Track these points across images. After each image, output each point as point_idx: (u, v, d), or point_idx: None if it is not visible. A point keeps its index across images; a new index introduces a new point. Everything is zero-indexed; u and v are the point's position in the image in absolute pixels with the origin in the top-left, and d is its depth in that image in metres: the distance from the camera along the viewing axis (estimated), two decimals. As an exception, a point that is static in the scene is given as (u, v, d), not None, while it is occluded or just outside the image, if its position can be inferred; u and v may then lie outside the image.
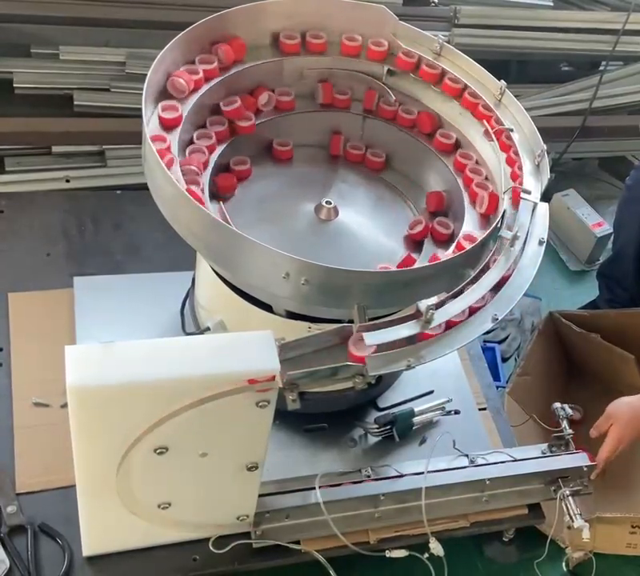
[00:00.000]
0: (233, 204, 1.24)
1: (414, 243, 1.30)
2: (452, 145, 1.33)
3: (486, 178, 1.30)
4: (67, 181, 2.04)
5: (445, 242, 1.29)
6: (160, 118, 1.18)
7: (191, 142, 1.23)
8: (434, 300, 1.04)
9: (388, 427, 1.46)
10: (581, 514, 1.40)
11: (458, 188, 1.30)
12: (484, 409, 1.59)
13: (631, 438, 1.50)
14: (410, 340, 1.04)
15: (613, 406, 1.55)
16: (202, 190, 1.17)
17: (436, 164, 1.35)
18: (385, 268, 1.20)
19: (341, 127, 1.39)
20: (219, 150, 1.26)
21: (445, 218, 1.32)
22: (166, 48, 1.19)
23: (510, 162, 1.26)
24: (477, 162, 1.31)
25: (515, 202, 1.21)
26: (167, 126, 1.18)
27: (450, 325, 1.07)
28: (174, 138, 1.17)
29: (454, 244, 1.21)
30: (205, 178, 1.20)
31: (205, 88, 1.24)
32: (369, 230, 1.30)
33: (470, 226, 1.24)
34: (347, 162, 1.41)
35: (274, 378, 0.97)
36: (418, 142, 1.37)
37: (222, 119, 1.27)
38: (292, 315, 1.19)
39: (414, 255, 1.26)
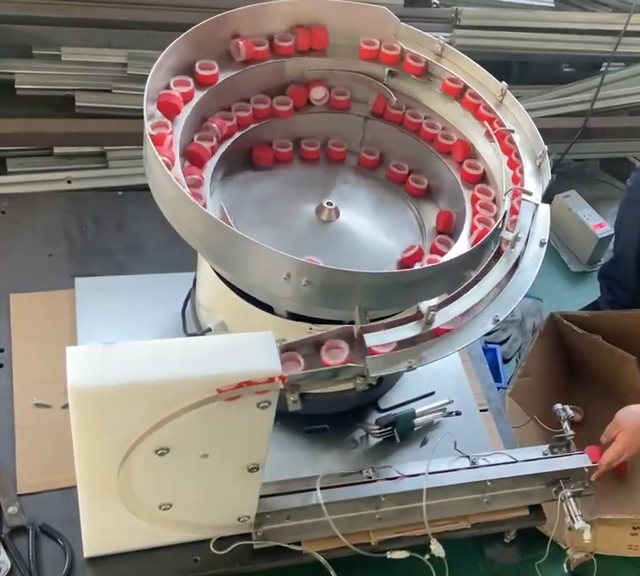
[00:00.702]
0: (234, 205, 1.25)
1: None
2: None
3: (487, 179, 1.30)
4: (69, 182, 2.05)
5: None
6: (162, 120, 1.18)
7: (192, 142, 1.23)
8: (435, 301, 1.04)
9: (389, 428, 1.46)
10: (582, 516, 1.40)
11: (459, 186, 1.31)
12: (485, 410, 1.59)
13: (638, 446, 1.50)
14: (411, 341, 1.04)
15: (622, 414, 1.55)
16: (204, 192, 1.18)
17: (437, 165, 1.36)
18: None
19: (342, 128, 1.39)
20: (220, 150, 1.26)
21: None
22: (167, 49, 1.20)
23: (511, 164, 1.26)
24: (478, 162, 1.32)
25: (515, 204, 1.21)
26: (169, 127, 1.18)
27: (451, 326, 1.07)
28: (175, 139, 1.17)
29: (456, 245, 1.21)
30: (206, 178, 1.21)
31: (206, 90, 1.24)
32: (370, 231, 1.30)
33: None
34: (350, 164, 1.41)
35: (274, 379, 0.97)
36: (420, 143, 1.37)
37: (229, 115, 1.27)
38: (293, 316, 1.19)
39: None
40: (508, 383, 1.85)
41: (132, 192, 1.87)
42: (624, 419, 1.53)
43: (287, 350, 1.01)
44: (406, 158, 1.40)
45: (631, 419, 1.53)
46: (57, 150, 2.07)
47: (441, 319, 1.05)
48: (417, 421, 1.48)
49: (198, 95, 1.23)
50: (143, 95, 1.15)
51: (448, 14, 2.40)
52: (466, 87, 1.32)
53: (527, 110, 1.29)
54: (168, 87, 1.21)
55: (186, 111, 1.21)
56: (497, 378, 1.84)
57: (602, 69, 2.58)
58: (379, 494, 1.32)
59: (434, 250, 1.29)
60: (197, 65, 1.23)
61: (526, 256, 1.16)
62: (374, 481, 1.34)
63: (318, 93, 1.35)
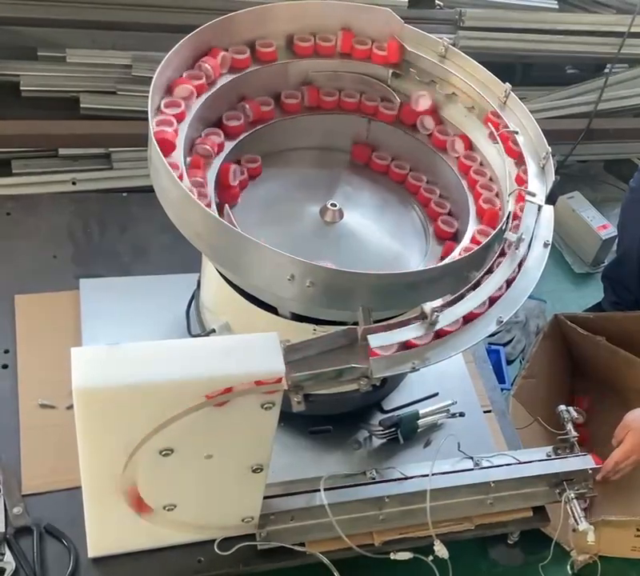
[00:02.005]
0: (238, 206, 1.25)
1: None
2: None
3: (491, 180, 1.30)
4: (73, 183, 2.06)
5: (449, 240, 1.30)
6: (167, 120, 1.18)
7: (197, 143, 1.23)
8: (438, 302, 1.04)
9: (393, 429, 1.46)
10: (586, 517, 1.40)
11: (463, 190, 1.31)
12: (489, 411, 1.59)
13: None
14: (415, 342, 1.04)
15: (631, 415, 1.55)
16: (208, 192, 1.18)
17: (441, 166, 1.36)
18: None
19: (347, 130, 1.40)
20: (227, 149, 1.26)
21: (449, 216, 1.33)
22: (172, 51, 1.20)
23: (515, 164, 1.26)
24: (481, 164, 1.32)
25: (520, 205, 1.21)
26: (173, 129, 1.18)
27: (454, 327, 1.07)
28: (179, 141, 1.17)
29: (460, 246, 1.22)
30: (211, 179, 1.21)
31: (211, 91, 1.24)
32: (374, 232, 1.30)
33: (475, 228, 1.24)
34: (352, 165, 1.41)
35: (279, 380, 0.97)
36: (423, 144, 1.37)
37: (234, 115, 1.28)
38: (297, 317, 1.20)
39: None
40: (512, 384, 1.86)
41: (137, 193, 1.87)
42: (633, 421, 1.54)
43: (291, 350, 1.01)
44: (411, 159, 1.40)
45: None
46: (62, 151, 2.08)
47: (445, 320, 1.05)
48: (420, 422, 1.48)
49: (202, 97, 1.23)
50: (148, 97, 1.15)
51: (452, 15, 2.40)
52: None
53: (531, 112, 1.29)
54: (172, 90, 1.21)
55: (191, 113, 1.21)
56: (500, 379, 1.84)
57: (606, 70, 2.58)
58: (383, 495, 1.33)
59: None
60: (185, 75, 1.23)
61: (529, 257, 1.16)
62: (378, 482, 1.34)
63: (428, 123, 1.36)
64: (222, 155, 1.26)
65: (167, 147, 1.14)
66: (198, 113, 1.22)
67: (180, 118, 1.19)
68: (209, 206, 1.14)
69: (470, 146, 1.33)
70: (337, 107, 1.38)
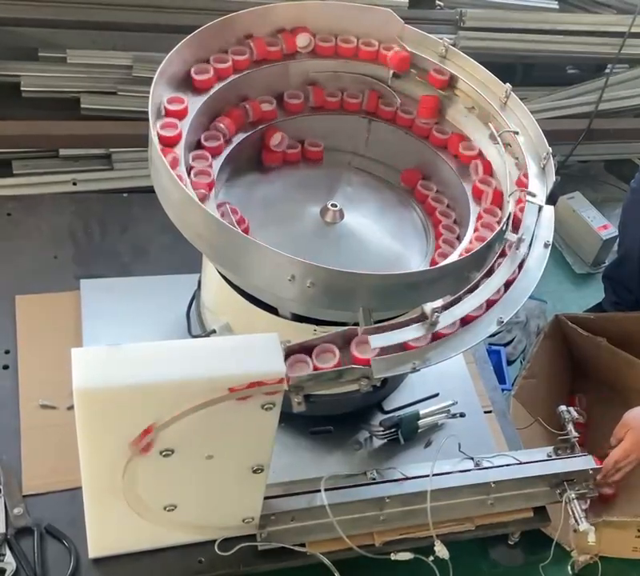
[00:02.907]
0: (239, 207, 1.25)
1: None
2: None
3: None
4: (74, 184, 2.06)
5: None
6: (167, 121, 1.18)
7: (199, 144, 1.23)
8: (439, 303, 1.04)
9: (393, 430, 1.46)
10: (586, 518, 1.40)
11: (463, 189, 1.31)
12: (489, 411, 1.59)
13: None
14: (416, 342, 1.04)
15: (630, 414, 1.55)
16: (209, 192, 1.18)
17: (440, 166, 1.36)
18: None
19: (346, 130, 1.40)
20: (226, 151, 1.26)
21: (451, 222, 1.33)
22: (172, 51, 1.20)
23: (515, 165, 1.26)
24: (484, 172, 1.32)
25: (520, 205, 1.21)
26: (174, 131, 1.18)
27: (455, 327, 1.07)
28: (180, 141, 1.17)
29: (460, 246, 1.22)
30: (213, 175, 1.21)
31: (213, 90, 1.24)
32: (374, 232, 1.30)
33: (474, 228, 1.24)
34: (354, 166, 1.41)
35: (279, 380, 0.97)
36: (423, 144, 1.37)
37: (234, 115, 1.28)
38: (297, 318, 1.20)
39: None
40: (512, 385, 1.86)
41: (137, 194, 1.87)
42: (633, 419, 1.54)
43: (292, 351, 1.01)
44: (411, 159, 1.40)
45: (639, 419, 1.53)
46: (62, 151, 2.08)
47: (445, 321, 1.05)
48: (421, 422, 1.48)
49: (203, 97, 1.23)
50: (148, 97, 1.15)
51: (452, 15, 2.40)
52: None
53: (531, 112, 1.29)
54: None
55: (191, 113, 1.21)
56: (501, 379, 1.84)
57: (607, 70, 2.58)
58: (383, 496, 1.32)
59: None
60: (193, 70, 1.23)
61: (530, 257, 1.16)
62: (379, 482, 1.34)
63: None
64: (222, 156, 1.26)
65: (168, 148, 1.14)
66: (199, 113, 1.22)
67: (181, 118, 1.19)
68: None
69: (490, 171, 1.30)
70: (338, 108, 1.38)
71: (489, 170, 1.30)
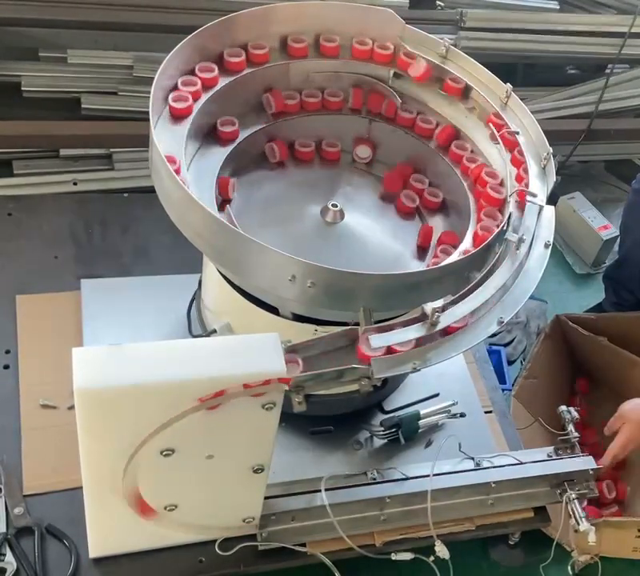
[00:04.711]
0: (239, 206, 1.25)
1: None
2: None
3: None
4: (75, 184, 2.06)
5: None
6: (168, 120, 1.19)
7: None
8: (439, 303, 1.04)
9: (394, 430, 1.46)
10: (587, 518, 1.40)
11: (463, 189, 1.31)
12: (490, 411, 1.59)
13: None
14: (416, 342, 1.04)
15: (626, 406, 1.55)
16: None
17: (442, 166, 1.36)
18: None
19: (348, 130, 1.40)
20: (226, 151, 1.26)
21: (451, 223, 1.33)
22: (173, 51, 1.20)
23: (516, 165, 1.26)
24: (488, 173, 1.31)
25: (521, 204, 1.21)
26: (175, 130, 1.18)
27: (455, 327, 1.07)
28: (180, 141, 1.17)
29: (461, 246, 1.21)
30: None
31: (212, 91, 1.24)
32: (375, 232, 1.30)
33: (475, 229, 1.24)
34: (354, 165, 1.41)
35: (280, 380, 0.97)
36: (423, 144, 1.37)
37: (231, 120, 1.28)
38: (298, 318, 1.20)
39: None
40: (513, 385, 1.85)
41: (138, 194, 1.87)
42: (629, 411, 1.53)
43: (292, 351, 1.01)
44: (412, 159, 1.40)
45: (636, 411, 1.53)
46: (63, 152, 2.09)
47: (445, 321, 1.05)
48: (421, 422, 1.48)
49: (203, 98, 1.23)
50: (149, 97, 1.15)
51: (453, 16, 2.41)
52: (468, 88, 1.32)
53: (532, 112, 1.29)
54: (176, 88, 1.21)
55: (192, 113, 1.21)
56: (501, 379, 1.84)
57: (607, 71, 2.58)
58: (384, 496, 1.33)
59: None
60: (197, 67, 1.23)
61: (530, 258, 1.16)
62: (379, 482, 1.34)
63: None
64: (223, 156, 1.26)
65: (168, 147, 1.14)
66: (198, 114, 1.22)
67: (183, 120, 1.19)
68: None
69: (490, 171, 1.29)
70: (338, 107, 1.38)
71: (489, 170, 1.30)
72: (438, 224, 1.35)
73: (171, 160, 1.11)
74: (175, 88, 1.21)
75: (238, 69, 1.28)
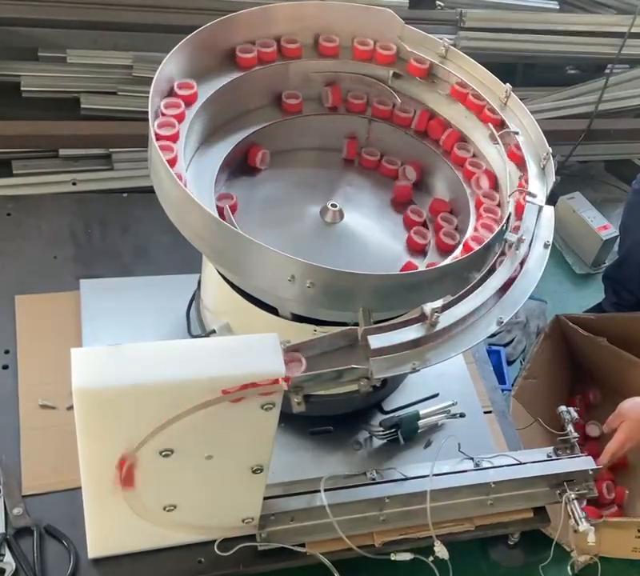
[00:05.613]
0: (238, 207, 1.25)
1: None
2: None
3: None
4: (74, 184, 2.06)
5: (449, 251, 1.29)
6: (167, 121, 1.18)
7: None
8: (439, 303, 1.04)
9: (393, 430, 1.46)
10: (586, 518, 1.40)
11: (463, 189, 1.31)
12: (489, 412, 1.59)
13: None
14: (415, 343, 1.04)
15: (626, 404, 1.55)
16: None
17: (442, 167, 1.36)
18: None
19: (347, 130, 1.40)
20: (226, 151, 1.26)
21: (451, 226, 1.32)
22: (172, 51, 1.20)
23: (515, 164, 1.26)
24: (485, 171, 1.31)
25: (520, 205, 1.21)
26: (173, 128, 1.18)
27: (455, 328, 1.07)
28: (180, 142, 1.17)
29: (461, 247, 1.21)
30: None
31: (211, 91, 1.24)
32: (374, 233, 1.30)
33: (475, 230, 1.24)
34: (354, 166, 1.41)
35: (279, 380, 0.97)
36: (423, 144, 1.37)
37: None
38: (297, 318, 1.20)
39: (415, 262, 1.26)
40: (512, 385, 1.85)
41: (137, 194, 1.87)
42: (628, 409, 1.53)
43: (291, 351, 1.01)
44: (411, 159, 1.40)
45: (635, 409, 1.53)
46: (62, 152, 2.08)
47: (445, 321, 1.05)
48: (421, 423, 1.48)
49: (201, 98, 1.23)
50: (148, 97, 1.15)
51: (452, 16, 2.41)
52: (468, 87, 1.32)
53: (532, 112, 1.29)
54: (172, 90, 1.21)
55: (191, 113, 1.21)
56: (501, 380, 1.84)
57: (607, 71, 2.58)
58: (383, 496, 1.32)
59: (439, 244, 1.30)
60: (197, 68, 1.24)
61: (530, 258, 1.16)
62: (378, 482, 1.34)
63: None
64: (222, 156, 1.25)
65: (167, 147, 1.14)
66: (198, 114, 1.22)
67: (180, 118, 1.19)
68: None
69: (494, 185, 1.29)
70: (349, 109, 1.38)
71: (488, 170, 1.30)
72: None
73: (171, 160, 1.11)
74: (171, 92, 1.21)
75: (248, 65, 1.28)
